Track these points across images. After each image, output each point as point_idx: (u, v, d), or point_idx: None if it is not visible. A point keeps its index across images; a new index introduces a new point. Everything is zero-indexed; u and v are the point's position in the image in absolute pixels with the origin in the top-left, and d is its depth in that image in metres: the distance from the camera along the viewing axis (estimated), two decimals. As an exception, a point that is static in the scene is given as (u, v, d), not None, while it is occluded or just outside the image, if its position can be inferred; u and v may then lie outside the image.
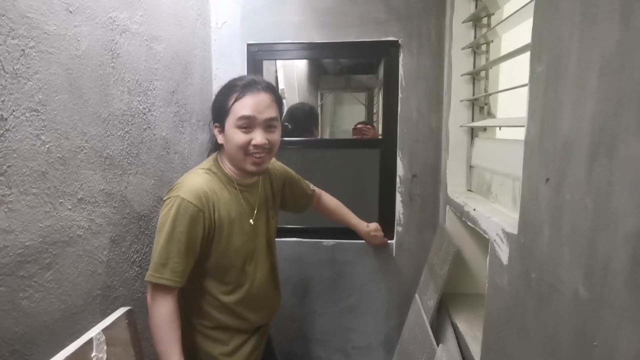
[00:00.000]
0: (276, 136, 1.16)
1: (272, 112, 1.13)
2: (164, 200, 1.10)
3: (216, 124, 1.17)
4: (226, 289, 1.17)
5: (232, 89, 1.12)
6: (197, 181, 1.10)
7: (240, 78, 1.17)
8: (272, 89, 1.17)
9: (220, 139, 1.16)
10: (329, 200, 1.60)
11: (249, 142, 1.10)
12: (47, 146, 0.87)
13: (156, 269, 1.04)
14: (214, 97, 1.20)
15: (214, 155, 1.22)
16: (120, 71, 1.13)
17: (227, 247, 1.14)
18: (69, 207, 0.95)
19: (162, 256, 1.03)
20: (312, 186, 1.53)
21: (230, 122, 1.11)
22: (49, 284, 0.90)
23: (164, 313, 1.05)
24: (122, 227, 1.16)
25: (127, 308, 0.70)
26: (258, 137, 1.10)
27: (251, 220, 1.20)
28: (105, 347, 0.65)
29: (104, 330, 0.67)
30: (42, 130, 0.86)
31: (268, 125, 1.13)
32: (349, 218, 1.63)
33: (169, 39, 1.40)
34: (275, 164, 1.40)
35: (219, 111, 1.14)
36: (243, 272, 1.19)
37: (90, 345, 0.63)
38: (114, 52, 1.09)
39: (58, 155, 0.90)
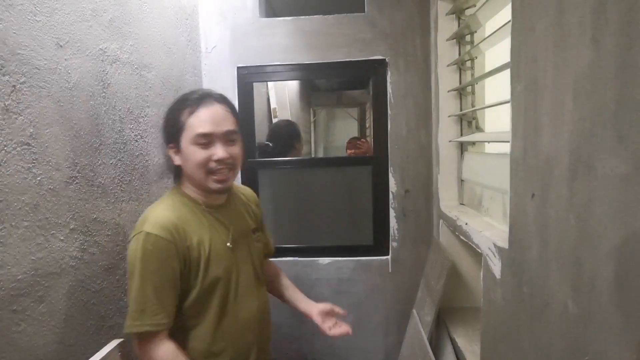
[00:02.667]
0: (237, 150, 1.05)
1: (230, 125, 1.03)
2: (130, 239, 0.98)
3: (170, 144, 1.04)
4: (201, 331, 1.02)
5: (184, 103, 1.02)
6: (161, 211, 0.99)
7: (193, 92, 1.06)
8: (227, 101, 1.07)
9: (177, 160, 1.04)
10: (281, 272, 1.35)
11: (209, 158, 0.99)
12: (39, 179, 0.88)
13: (135, 317, 0.92)
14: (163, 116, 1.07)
15: (173, 188, 1.10)
16: (111, 100, 1.14)
17: (204, 279, 1.00)
18: (61, 238, 0.95)
19: (137, 302, 0.92)
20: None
21: (186, 139, 1.00)
22: (42, 317, 0.89)
23: (161, 356, 0.93)
24: (116, 255, 1.16)
25: (120, 340, 0.69)
26: (219, 151, 1.00)
27: (228, 244, 1.06)
28: (98, 382, 0.65)
29: (98, 364, 0.66)
30: (34, 163, 0.87)
31: (228, 140, 1.02)
32: (300, 298, 1.27)
33: (160, 65, 1.42)
34: (245, 189, 1.29)
35: (172, 128, 1.02)
36: (223, 310, 1.04)
37: (83, 380, 0.63)
38: (104, 82, 1.11)
39: (49, 187, 0.91)
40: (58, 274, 0.94)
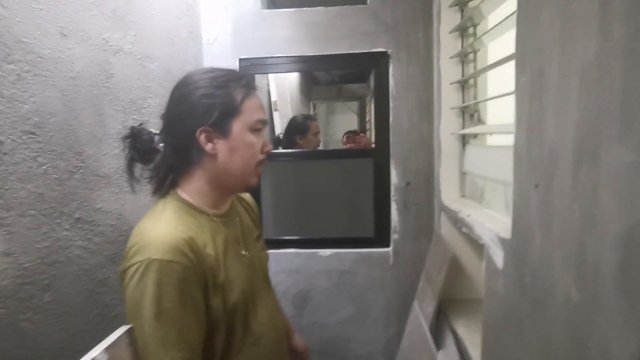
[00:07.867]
0: None
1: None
2: (125, 270, 0.75)
3: (205, 128, 0.81)
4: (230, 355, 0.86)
5: (235, 82, 0.85)
6: (164, 227, 0.77)
7: (228, 70, 0.88)
8: None
9: (210, 149, 0.83)
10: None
11: (263, 148, 0.88)
12: (44, 168, 0.88)
13: (153, 356, 0.73)
14: (187, 93, 0.83)
15: (163, 196, 0.87)
16: (114, 91, 1.14)
17: (226, 304, 0.82)
18: (67, 227, 0.95)
19: (154, 341, 0.72)
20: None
21: (241, 123, 0.84)
22: (48, 305, 0.90)
23: None
24: (120, 245, 1.16)
25: (129, 326, 0.70)
26: (269, 142, 0.90)
27: (244, 252, 0.91)
28: (107, 367, 0.66)
29: (106, 350, 0.67)
30: (39, 152, 0.87)
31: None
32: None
33: (162, 57, 1.42)
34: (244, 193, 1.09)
35: (219, 108, 0.82)
36: (247, 331, 0.88)
37: (91, 365, 0.64)
38: (107, 72, 1.11)
39: (54, 176, 0.91)
40: (64, 262, 0.94)
